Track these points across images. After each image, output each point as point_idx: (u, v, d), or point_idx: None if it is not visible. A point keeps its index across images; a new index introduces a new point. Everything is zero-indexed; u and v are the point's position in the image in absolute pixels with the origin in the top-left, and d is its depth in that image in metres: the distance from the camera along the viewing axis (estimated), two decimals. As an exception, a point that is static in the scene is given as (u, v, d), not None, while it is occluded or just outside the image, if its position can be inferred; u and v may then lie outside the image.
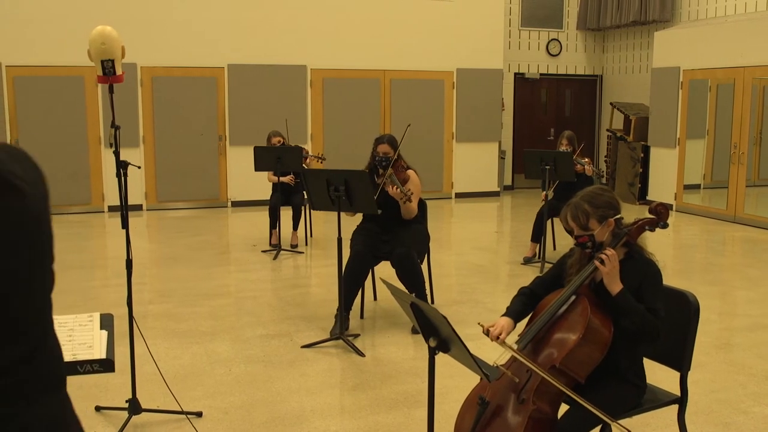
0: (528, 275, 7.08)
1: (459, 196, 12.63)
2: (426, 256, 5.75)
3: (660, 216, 3.02)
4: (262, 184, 8.86)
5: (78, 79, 10.57)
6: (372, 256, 5.47)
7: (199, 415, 3.97)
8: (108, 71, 3.55)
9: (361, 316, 5.76)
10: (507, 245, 9.07)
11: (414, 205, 5.46)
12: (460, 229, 10.31)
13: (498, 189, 12.95)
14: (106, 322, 2.62)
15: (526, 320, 3.15)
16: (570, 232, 3.06)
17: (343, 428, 3.87)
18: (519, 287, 3.29)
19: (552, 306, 2.95)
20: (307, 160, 8.45)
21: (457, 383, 4.25)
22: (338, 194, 4.99)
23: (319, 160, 8.55)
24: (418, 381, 4.49)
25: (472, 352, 2.53)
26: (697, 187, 11.28)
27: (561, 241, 8.19)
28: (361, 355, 4.92)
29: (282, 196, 8.16)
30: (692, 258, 8.40)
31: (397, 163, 5.56)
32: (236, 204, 11.45)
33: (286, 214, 8.39)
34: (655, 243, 3.27)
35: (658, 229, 3.03)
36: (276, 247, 8.10)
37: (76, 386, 4.14)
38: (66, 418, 1.43)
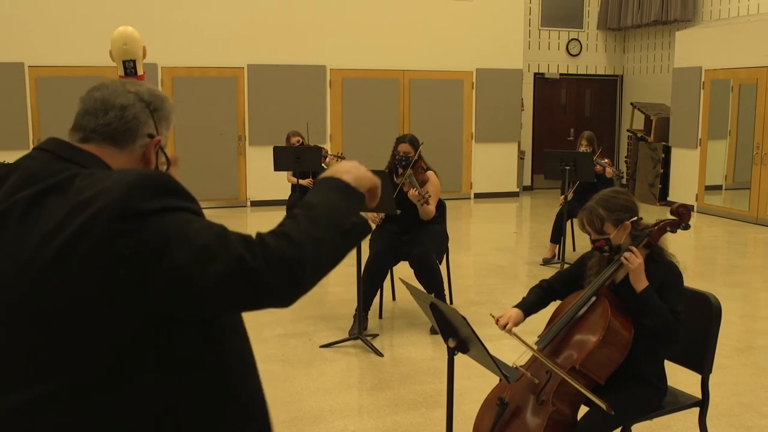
0: (547, 276, 7.03)
1: (478, 196, 12.59)
2: (445, 256, 5.74)
3: (681, 217, 3.00)
4: (281, 184, 8.88)
5: (99, 80, 10.60)
6: (391, 257, 5.46)
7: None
8: (130, 71, 3.57)
9: (380, 316, 5.76)
10: (526, 246, 9.03)
11: (432, 207, 5.45)
12: (478, 230, 10.28)
13: (517, 189, 12.91)
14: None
15: (542, 318, 3.14)
16: (588, 235, 3.05)
17: (361, 428, 3.88)
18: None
19: (572, 307, 2.94)
20: (327, 160, 8.45)
21: (475, 384, 4.24)
22: (357, 194, 4.97)
23: (339, 160, 8.55)
24: (436, 381, 4.48)
25: (491, 353, 2.52)
26: (718, 188, 11.18)
27: (580, 242, 8.14)
28: (380, 355, 4.92)
29: (300, 196, 8.16)
30: (714, 260, 8.32)
31: (417, 163, 5.55)
32: (255, 204, 11.49)
33: (305, 213, 8.39)
34: (677, 245, 3.24)
35: (679, 231, 3.01)
36: (295, 247, 8.09)
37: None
38: None
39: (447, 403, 2.76)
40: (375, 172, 5.33)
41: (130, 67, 3.57)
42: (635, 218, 2.97)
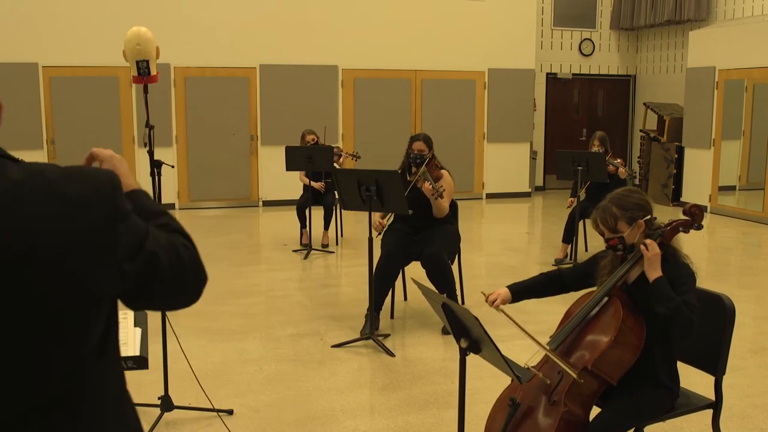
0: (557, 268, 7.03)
1: (490, 196, 12.57)
2: (457, 256, 5.73)
3: (694, 218, 2.99)
4: (293, 184, 8.90)
5: (113, 80, 10.70)
6: (403, 256, 5.46)
7: (230, 412, 4.00)
8: (143, 71, 3.59)
9: (392, 316, 5.76)
10: (538, 246, 9.01)
11: (446, 203, 5.45)
12: (490, 230, 10.27)
13: (529, 190, 12.88)
14: (140, 319, 2.65)
15: (555, 318, 3.13)
16: (601, 234, 3.04)
17: (373, 428, 3.88)
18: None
19: (584, 307, 2.93)
20: (341, 159, 8.46)
21: (487, 384, 4.23)
22: (369, 194, 4.99)
23: (354, 158, 8.57)
24: (448, 382, 4.47)
25: (503, 353, 2.51)
26: (732, 188, 11.12)
27: (593, 242, 8.12)
28: (392, 355, 4.92)
29: (312, 196, 8.18)
30: (727, 261, 8.28)
31: (431, 162, 5.56)
32: (267, 203, 11.51)
33: (317, 213, 8.42)
34: (690, 245, 3.22)
35: (692, 231, 2.99)
36: (307, 247, 8.13)
37: (109, 383, 4.19)
38: None
39: (459, 404, 2.76)
40: (386, 172, 5.32)
41: (143, 68, 3.59)
42: (649, 217, 2.96)
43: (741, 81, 10.66)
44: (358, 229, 9.38)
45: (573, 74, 13.96)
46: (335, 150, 8.24)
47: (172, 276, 1.52)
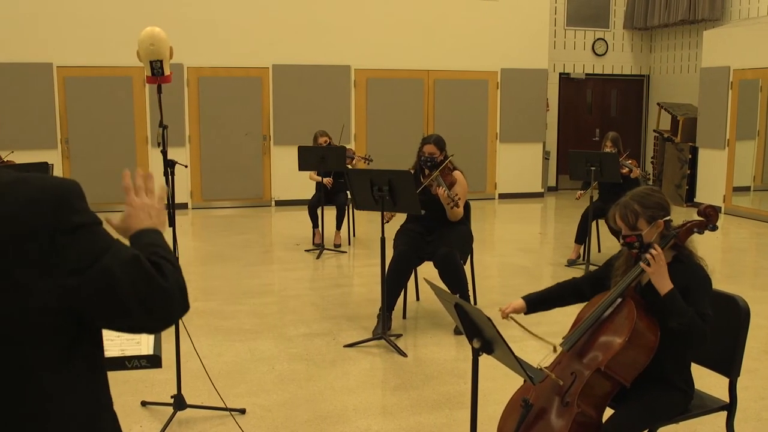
0: (572, 277, 7.00)
1: (502, 196, 12.55)
2: (469, 257, 5.72)
3: (709, 218, 2.97)
4: (305, 184, 8.91)
5: (126, 80, 10.74)
6: (415, 257, 5.46)
7: (242, 412, 4.00)
8: (156, 72, 3.60)
9: (404, 316, 5.75)
10: (550, 247, 8.99)
11: (461, 210, 5.44)
12: (503, 230, 10.25)
13: (542, 190, 12.84)
14: (153, 318, 2.65)
15: (568, 319, 3.12)
16: (617, 233, 3.03)
17: (384, 428, 3.88)
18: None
19: (598, 308, 2.92)
20: (354, 161, 8.47)
21: (499, 385, 4.22)
22: (382, 194, 4.99)
23: (366, 162, 8.57)
24: (460, 382, 4.47)
25: (516, 354, 2.51)
26: (746, 189, 11.05)
27: (606, 242, 8.08)
28: (404, 355, 4.92)
29: (325, 196, 8.19)
30: (742, 262, 8.23)
31: (443, 166, 5.53)
32: (280, 203, 11.53)
33: (329, 213, 8.43)
34: (704, 246, 3.20)
35: (707, 232, 2.97)
36: (319, 247, 8.14)
37: (121, 381, 4.22)
38: None
39: (471, 404, 2.75)
40: (399, 172, 5.32)
41: (157, 68, 3.60)
42: (669, 218, 2.94)
43: (756, 81, 10.59)
44: (371, 229, 9.38)
45: (586, 74, 13.91)
46: (348, 152, 8.24)
47: (133, 295, 1.43)
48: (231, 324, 5.60)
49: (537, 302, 3.24)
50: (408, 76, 11.94)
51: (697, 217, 2.99)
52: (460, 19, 11.97)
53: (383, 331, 5.15)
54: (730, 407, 3.05)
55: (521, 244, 8.83)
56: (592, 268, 7.15)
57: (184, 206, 11.03)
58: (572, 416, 2.75)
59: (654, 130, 13.04)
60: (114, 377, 1.58)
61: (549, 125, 13.26)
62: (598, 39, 13.85)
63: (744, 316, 2.98)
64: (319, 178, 8.18)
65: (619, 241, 3.04)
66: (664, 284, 2.81)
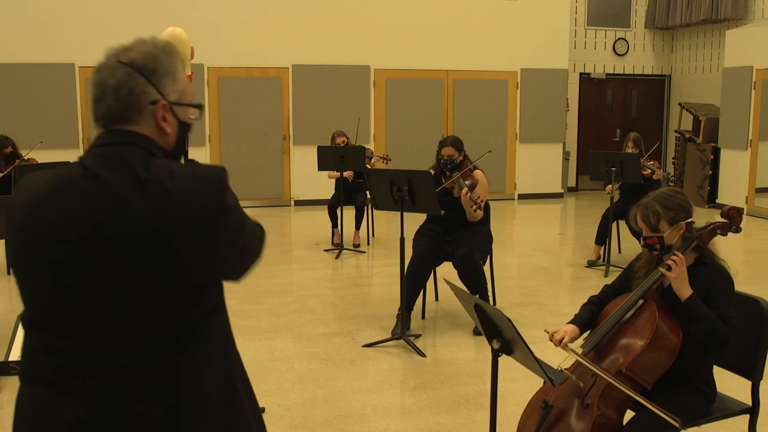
0: (592, 278, 6.97)
1: (522, 197, 12.51)
2: (489, 257, 5.70)
3: (733, 220, 2.94)
4: (325, 184, 8.93)
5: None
6: (434, 257, 5.45)
7: (261, 410, 4.00)
8: (177, 71, 3.61)
9: (423, 317, 5.75)
10: (570, 248, 8.94)
11: (482, 211, 5.42)
12: (522, 231, 10.21)
13: (562, 190, 12.78)
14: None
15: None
16: (638, 234, 3.00)
17: (403, 428, 3.87)
18: (582, 290, 3.26)
19: (618, 310, 2.90)
20: (372, 161, 8.48)
21: (518, 386, 4.21)
22: (401, 194, 4.99)
23: (385, 161, 8.58)
24: (479, 383, 4.46)
25: (535, 355, 2.50)
26: (770, 190, 10.94)
27: (626, 244, 8.03)
28: (422, 355, 4.91)
29: (344, 196, 8.20)
30: (765, 263, 8.14)
31: (463, 164, 5.52)
32: (299, 203, 11.56)
33: (348, 213, 8.44)
34: (727, 248, 3.18)
35: (730, 234, 2.95)
36: (338, 246, 8.15)
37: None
38: None
39: (490, 405, 2.74)
40: (418, 172, 5.31)
41: (178, 68, 3.61)
42: (690, 220, 2.92)
43: (779, 81, 10.48)
44: (390, 229, 9.38)
45: (607, 74, 13.83)
46: (366, 151, 8.25)
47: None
48: (250, 323, 5.61)
49: (585, 324, 3.10)
50: (427, 76, 11.93)
51: (720, 219, 2.97)
52: (480, 19, 11.94)
53: (402, 331, 5.15)
54: (753, 410, 3.02)
55: (541, 244, 8.79)
56: (612, 269, 7.10)
57: (204, 206, 11.07)
58: (592, 418, 2.73)
59: (675, 131, 12.94)
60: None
61: (569, 125, 13.20)
62: (619, 39, 13.76)
63: (767, 318, 2.95)
64: (338, 174, 8.19)
65: (640, 243, 3.02)
66: (685, 290, 2.79)
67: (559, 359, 2.97)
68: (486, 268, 5.53)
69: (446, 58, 11.91)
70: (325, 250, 8.21)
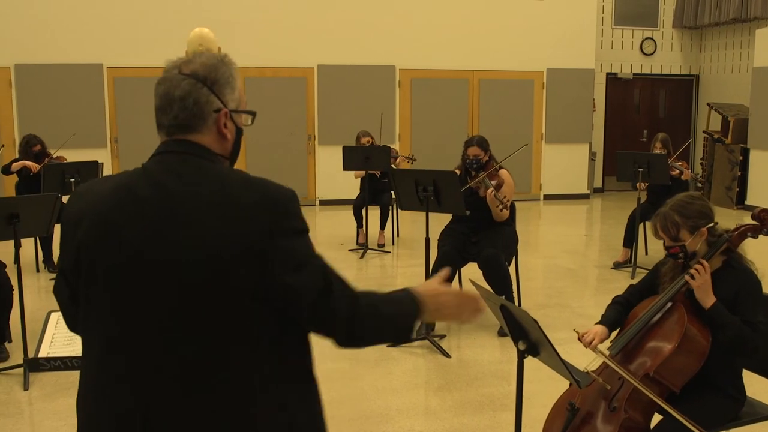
0: (618, 280, 6.92)
1: (547, 198, 12.44)
2: (514, 258, 5.68)
3: (764, 222, 2.90)
4: (350, 184, 8.94)
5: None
6: (459, 257, 5.43)
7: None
8: (205, 72, 3.64)
9: (447, 317, 5.72)
10: (596, 249, 8.88)
11: (508, 211, 5.40)
12: (548, 232, 10.15)
13: (588, 191, 12.70)
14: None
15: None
16: (661, 240, 2.97)
17: (427, 429, 3.87)
18: (608, 292, 3.23)
19: (646, 313, 2.87)
20: (397, 161, 8.48)
21: (544, 388, 4.18)
22: (426, 194, 4.98)
23: (410, 161, 8.57)
24: (504, 384, 4.44)
25: (562, 357, 2.48)
26: (800, 191, 10.79)
27: (653, 245, 7.96)
28: (447, 356, 4.90)
29: (369, 196, 8.20)
30: (794, 266, 8.02)
31: (488, 164, 5.50)
32: (324, 203, 11.59)
33: (373, 213, 8.44)
34: (754, 251, 3.14)
35: (760, 236, 2.91)
36: (363, 246, 8.16)
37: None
38: None
39: (516, 407, 2.73)
40: (444, 172, 5.29)
41: (205, 68, 3.64)
42: (712, 224, 2.88)
43: (810, 81, 10.33)
44: (414, 229, 9.37)
45: (634, 74, 13.71)
46: (392, 151, 8.25)
47: (343, 315, 1.65)
48: (275, 322, 5.62)
49: (613, 323, 3.07)
50: (453, 76, 11.90)
51: (750, 221, 2.93)
52: (506, 18, 11.89)
53: (427, 331, 5.14)
54: (783, 415, 2.98)
55: (566, 245, 8.74)
56: (638, 271, 7.04)
57: (230, 205, 11.14)
58: (619, 421, 2.71)
59: (704, 131, 12.80)
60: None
61: (595, 126, 13.10)
62: (646, 38, 13.64)
63: (798, 322, 2.91)
64: (364, 173, 8.20)
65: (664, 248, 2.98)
66: (707, 299, 2.77)
67: (585, 361, 2.95)
68: (511, 268, 5.51)
69: (472, 58, 11.87)
70: (349, 250, 8.23)
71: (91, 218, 1.61)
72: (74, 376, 1.78)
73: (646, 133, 13.65)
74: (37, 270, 7.26)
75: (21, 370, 4.53)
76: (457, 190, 5.02)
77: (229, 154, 1.76)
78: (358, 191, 8.54)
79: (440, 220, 5.70)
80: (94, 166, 7.24)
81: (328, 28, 11.30)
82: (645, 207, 7.26)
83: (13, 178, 7.65)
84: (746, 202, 11.34)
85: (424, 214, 5.15)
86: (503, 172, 5.54)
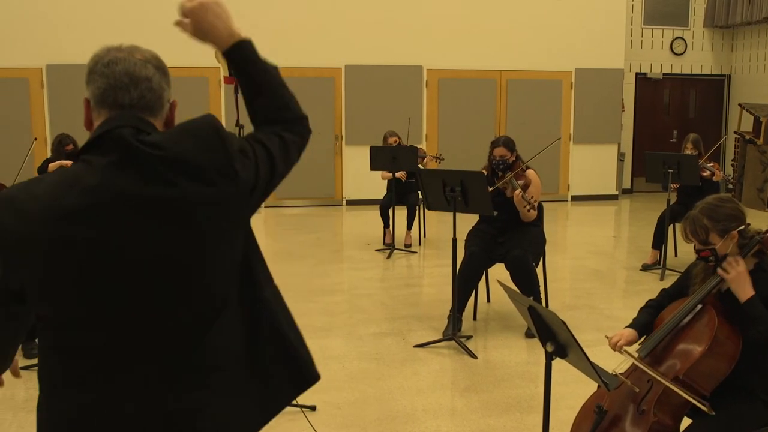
0: (647, 282, 6.85)
1: (575, 198, 12.35)
2: (541, 259, 5.65)
3: (796, 224, 2.86)
4: (376, 184, 8.95)
5: (202, 80, 10.97)
6: (487, 258, 5.42)
7: (312, 408, 4.04)
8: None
9: (474, 318, 5.72)
10: (625, 250, 8.80)
11: (535, 211, 5.38)
12: (575, 233, 10.09)
13: (616, 192, 12.60)
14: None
15: (647, 328, 3.05)
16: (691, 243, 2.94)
17: (454, 430, 3.86)
18: (637, 294, 3.21)
19: (676, 315, 2.84)
20: (425, 161, 8.47)
21: (571, 390, 4.16)
22: (454, 195, 4.97)
23: (437, 161, 8.56)
24: (531, 386, 4.42)
25: (590, 359, 2.46)
26: (833, 193, 10.61)
27: (683, 247, 7.87)
28: (474, 357, 4.89)
29: (396, 196, 8.20)
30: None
31: (515, 164, 5.48)
32: (351, 203, 11.61)
33: (400, 213, 8.44)
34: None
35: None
36: (389, 246, 8.16)
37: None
38: None
39: (543, 409, 2.72)
40: (471, 173, 5.28)
41: (234, 68, 3.66)
42: (742, 227, 2.83)
43: None
44: (441, 230, 9.36)
45: (664, 74, 13.57)
46: (419, 151, 8.25)
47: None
48: (302, 321, 5.60)
49: (642, 327, 3.04)
50: (480, 76, 11.86)
51: (783, 223, 2.88)
52: (534, 18, 11.83)
53: (453, 332, 5.13)
54: (816, 420, 2.93)
55: (594, 247, 8.68)
56: (668, 273, 6.97)
57: (257, 204, 11.20)
58: (648, 425, 2.68)
59: (735, 132, 12.63)
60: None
61: (624, 126, 12.99)
62: (676, 38, 13.50)
63: (832, 326, 2.86)
64: (391, 175, 8.20)
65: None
66: (744, 291, 2.72)
67: (613, 363, 2.92)
68: (538, 269, 5.48)
69: (499, 58, 11.83)
70: (376, 250, 8.23)
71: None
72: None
73: (676, 133, 13.51)
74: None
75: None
76: (484, 190, 5.01)
77: None
78: (385, 191, 8.55)
79: (467, 221, 5.69)
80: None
81: (356, 28, 11.32)
82: (675, 208, 7.19)
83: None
84: (778, 204, 11.17)
85: (451, 214, 5.14)
86: (530, 172, 5.51)
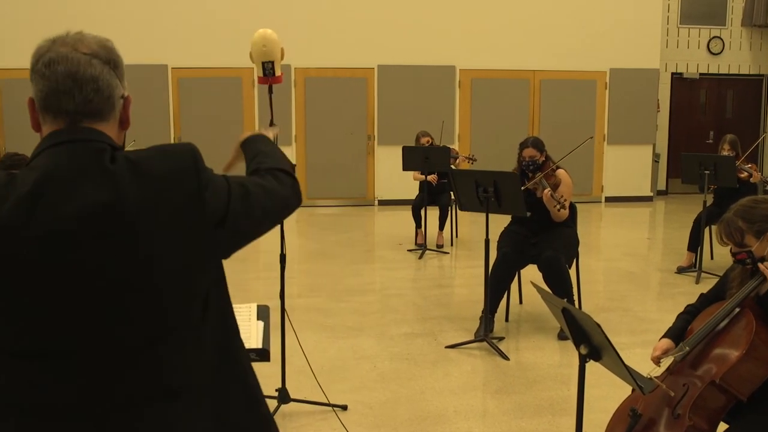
0: (682, 285, 6.76)
1: (609, 200, 12.24)
2: (574, 260, 5.60)
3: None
4: (408, 184, 8.95)
5: (236, 80, 11.06)
6: (519, 259, 5.39)
7: (344, 408, 4.05)
8: (268, 72, 3.67)
9: (506, 319, 5.69)
10: (659, 253, 8.70)
11: (567, 210, 5.34)
12: (609, 234, 9.99)
13: (651, 194, 12.46)
14: (263, 313, 2.72)
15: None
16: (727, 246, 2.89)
17: (485, 431, 3.84)
18: (671, 297, 3.17)
19: (713, 319, 2.80)
20: (458, 161, 8.45)
21: (604, 393, 4.12)
22: (487, 195, 4.95)
23: (470, 161, 8.54)
24: (563, 388, 4.38)
25: (625, 362, 2.44)
26: None
27: (719, 250, 7.76)
28: (506, 358, 4.87)
29: (428, 196, 8.19)
30: None
31: (545, 165, 5.45)
32: (383, 203, 11.61)
33: (432, 214, 8.43)
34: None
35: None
36: (421, 247, 8.15)
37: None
38: None
39: (576, 411, 2.69)
40: (504, 173, 5.26)
41: (268, 68, 3.67)
42: None
43: None
44: (473, 230, 9.33)
45: (700, 74, 13.39)
46: (452, 152, 8.22)
47: (260, 215, 1.74)
48: (334, 321, 5.67)
49: (678, 335, 3.01)
50: (513, 76, 11.80)
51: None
52: (568, 17, 11.74)
53: (485, 333, 5.11)
54: None
55: (628, 248, 8.59)
56: (703, 276, 6.88)
57: (290, 204, 11.26)
58: (683, 429, 2.65)
59: (773, 133, 12.44)
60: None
61: (659, 127, 12.85)
62: (713, 37, 13.31)
63: None
64: (423, 177, 8.20)
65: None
66: None
67: (648, 367, 2.89)
68: (572, 271, 5.44)
69: (533, 58, 11.76)
70: (408, 250, 8.23)
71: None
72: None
73: (713, 134, 13.33)
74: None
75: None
76: (518, 191, 4.98)
77: (122, 144, 1.60)
78: (417, 191, 8.54)
79: (499, 222, 5.66)
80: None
81: (389, 28, 11.33)
82: (711, 210, 7.09)
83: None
84: (818, 206, 10.96)
85: (483, 215, 5.12)
86: (560, 172, 5.47)
